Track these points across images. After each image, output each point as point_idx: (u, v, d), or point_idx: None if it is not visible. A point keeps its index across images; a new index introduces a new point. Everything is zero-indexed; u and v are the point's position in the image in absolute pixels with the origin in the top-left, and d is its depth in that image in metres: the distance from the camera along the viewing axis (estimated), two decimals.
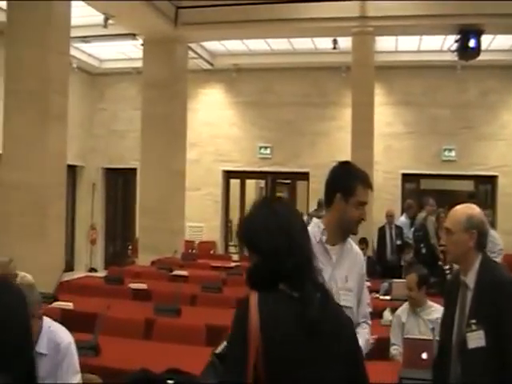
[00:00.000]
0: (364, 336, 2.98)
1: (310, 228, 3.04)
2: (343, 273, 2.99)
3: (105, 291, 7.15)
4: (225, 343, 2.07)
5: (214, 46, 13.42)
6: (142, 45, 11.86)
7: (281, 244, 2.00)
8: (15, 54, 7.65)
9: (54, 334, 3.23)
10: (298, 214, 2.22)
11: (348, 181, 2.95)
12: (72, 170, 13.37)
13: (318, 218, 3.14)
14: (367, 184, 2.98)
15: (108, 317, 4.81)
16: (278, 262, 1.98)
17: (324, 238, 2.98)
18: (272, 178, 14.72)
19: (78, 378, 3.30)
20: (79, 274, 12.22)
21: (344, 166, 3.09)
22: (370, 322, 3.14)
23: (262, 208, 2.14)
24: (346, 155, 10.71)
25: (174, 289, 6.73)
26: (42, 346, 3.15)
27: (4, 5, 8.24)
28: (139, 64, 12.74)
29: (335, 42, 11.93)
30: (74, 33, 8.36)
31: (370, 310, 3.20)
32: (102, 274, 11.31)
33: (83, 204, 15.01)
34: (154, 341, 5.08)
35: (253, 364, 1.85)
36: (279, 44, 12.98)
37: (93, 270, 14.63)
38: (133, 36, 11.87)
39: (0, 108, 8.05)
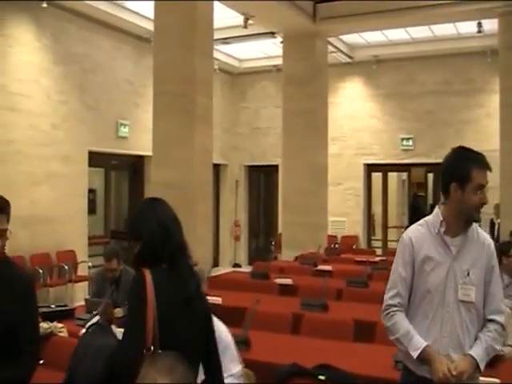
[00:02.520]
0: (483, 343, 2.81)
1: (431, 217, 2.93)
2: (465, 266, 2.84)
3: (251, 286, 7.27)
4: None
5: (352, 38, 13.28)
6: (282, 42, 11.97)
7: (157, 235, 2.54)
8: (162, 58, 7.98)
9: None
10: (171, 210, 2.70)
11: (461, 167, 2.81)
12: (216, 168, 13.74)
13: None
14: (483, 165, 2.82)
15: (256, 311, 4.89)
16: (155, 249, 2.53)
17: (442, 229, 2.86)
18: (415, 170, 14.39)
19: (239, 367, 3.40)
20: (224, 269, 12.56)
21: (456, 151, 2.93)
22: (501, 319, 2.89)
23: (144, 205, 2.72)
24: (494, 144, 10.23)
25: (319, 284, 6.71)
26: None
27: (151, 15, 8.61)
28: (279, 61, 12.93)
29: (479, 25, 11.36)
30: (215, 35, 8.59)
31: (505, 306, 3.02)
32: (246, 269, 11.56)
33: (227, 201, 15.42)
34: (301, 335, 5.10)
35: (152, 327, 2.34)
36: (419, 32, 12.60)
37: (237, 265, 14.99)
38: (272, 34, 12.02)
39: (149, 110, 8.44)
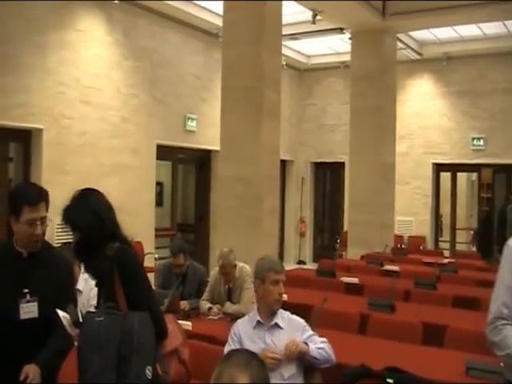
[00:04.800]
0: None
1: None
2: None
3: (317, 284, 7.22)
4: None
5: (422, 34, 12.99)
6: (350, 38, 11.83)
7: (92, 223, 2.71)
8: (231, 54, 7.99)
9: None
10: (103, 197, 2.87)
11: None
12: (282, 164, 13.72)
13: None
14: None
15: (323, 309, 4.83)
16: (92, 237, 2.72)
17: None
18: (485, 171, 13.99)
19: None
20: (289, 265, 12.53)
21: None
22: None
23: (78, 197, 2.82)
24: None
25: (385, 283, 6.60)
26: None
27: (220, 10, 8.64)
28: (346, 58, 12.77)
29: None
30: (283, 30, 8.54)
31: None
32: (310, 266, 11.51)
33: (292, 197, 15.40)
34: (368, 336, 5.02)
35: None
36: (493, 28, 12.19)
37: (301, 262, 14.94)
38: (340, 30, 11.88)
39: (217, 105, 8.48)
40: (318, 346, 3.50)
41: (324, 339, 3.58)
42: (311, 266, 11.57)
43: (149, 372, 2.58)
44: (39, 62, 8.85)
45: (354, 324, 5.19)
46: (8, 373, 2.83)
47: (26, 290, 2.89)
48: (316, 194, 15.90)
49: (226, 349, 3.51)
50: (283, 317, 3.61)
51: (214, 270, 5.77)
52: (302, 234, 15.37)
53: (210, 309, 5.43)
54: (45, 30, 8.91)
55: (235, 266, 5.56)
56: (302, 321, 3.65)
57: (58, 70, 9.14)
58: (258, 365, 1.69)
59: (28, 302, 2.88)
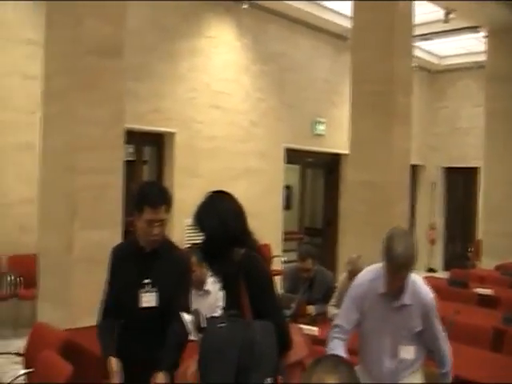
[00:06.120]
0: None
1: None
2: None
3: (448, 294, 6.93)
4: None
5: None
6: (485, 37, 11.32)
7: (216, 227, 2.69)
8: (360, 57, 7.87)
9: (419, 289, 3.21)
10: (232, 201, 2.83)
11: None
12: (412, 169, 13.35)
13: None
14: None
15: (455, 322, 4.63)
16: (215, 240, 2.71)
17: None
18: None
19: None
20: (419, 273, 12.13)
21: None
22: None
23: (207, 199, 2.82)
24: None
25: None
26: (407, 298, 3.18)
27: (349, 12, 8.54)
28: (480, 58, 12.22)
29: None
30: (414, 31, 8.31)
31: None
32: (441, 274, 11.12)
33: (423, 203, 14.96)
34: (503, 353, 4.73)
35: None
36: None
37: (431, 270, 14.48)
38: (474, 29, 11.42)
39: (345, 109, 8.39)
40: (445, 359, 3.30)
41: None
42: (442, 274, 11.16)
43: (269, 383, 2.54)
44: (171, 69, 9.18)
45: (487, 339, 4.92)
46: (129, 355, 3.01)
47: (147, 281, 3.05)
48: (447, 200, 15.33)
49: None
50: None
51: (342, 276, 5.70)
52: (433, 242, 14.89)
53: (335, 316, 5.36)
54: (176, 38, 9.23)
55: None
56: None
57: (189, 76, 9.44)
58: (347, 369, 1.68)
59: (148, 292, 3.05)
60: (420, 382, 3.29)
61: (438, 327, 3.25)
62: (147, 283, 3.05)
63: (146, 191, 3.12)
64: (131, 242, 3.20)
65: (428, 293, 3.24)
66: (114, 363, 2.92)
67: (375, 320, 3.21)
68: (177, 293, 3.06)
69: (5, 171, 7.80)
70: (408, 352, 3.21)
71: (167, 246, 3.18)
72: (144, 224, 3.01)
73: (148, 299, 3.04)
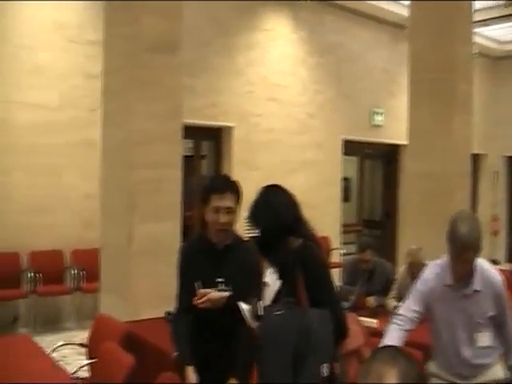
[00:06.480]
0: None
1: None
2: None
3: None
4: None
5: None
6: None
7: (268, 219, 2.71)
8: (419, 45, 7.73)
9: (487, 273, 3.15)
10: (284, 193, 2.83)
11: None
12: (473, 158, 13.08)
13: None
14: None
15: None
16: (269, 232, 2.72)
17: None
18: None
19: None
20: None
21: None
22: None
23: (260, 193, 2.83)
24: None
25: None
26: (477, 284, 3.12)
27: (405, 1, 8.41)
28: None
29: None
30: (474, 17, 8.10)
31: None
32: (504, 267, 10.85)
33: (484, 193, 14.61)
34: None
35: None
36: None
37: (494, 262, 14.13)
38: None
39: (404, 99, 8.25)
40: None
41: None
42: (505, 266, 10.88)
43: (325, 370, 2.55)
44: (228, 64, 9.24)
45: None
46: (202, 354, 3.00)
47: (220, 280, 3.01)
48: (510, 189, 14.94)
49: None
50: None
51: (401, 268, 5.63)
52: (495, 233, 14.53)
53: (396, 307, 5.30)
54: (233, 32, 9.28)
55: (424, 264, 5.36)
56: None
57: (246, 70, 9.47)
58: (405, 360, 1.61)
59: (221, 290, 2.99)
60: (502, 375, 3.24)
61: (509, 313, 3.19)
62: (220, 282, 3.01)
63: (212, 181, 3.15)
64: (202, 238, 3.13)
65: (497, 275, 3.18)
66: (191, 374, 2.91)
67: (446, 312, 3.16)
68: (249, 291, 2.94)
69: (68, 168, 8.01)
70: (484, 338, 3.15)
71: (238, 242, 3.12)
72: (210, 213, 2.98)
73: None
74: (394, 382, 1.53)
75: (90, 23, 8.00)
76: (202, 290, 2.93)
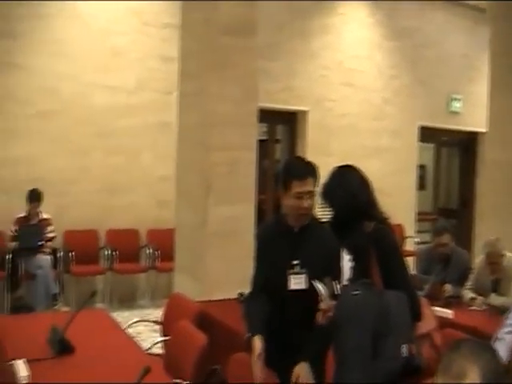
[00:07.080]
0: None
1: None
2: None
3: None
4: None
5: None
6: None
7: (344, 199, 2.76)
8: (501, 29, 7.47)
9: None
10: (358, 173, 2.88)
11: None
12: None
13: None
14: None
15: None
16: (345, 213, 2.78)
17: None
18: None
19: None
20: None
21: None
22: None
23: (333, 174, 2.91)
24: None
25: None
26: None
27: None
28: None
29: None
30: None
31: None
32: None
33: None
34: None
35: None
36: None
37: None
38: None
39: (485, 84, 8.00)
40: None
41: None
42: None
43: (404, 350, 2.55)
44: (303, 47, 9.18)
45: None
46: (279, 340, 2.97)
47: (296, 262, 2.97)
48: None
49: None
50: None
51: (479, 259, 5.46)
52: None
53: (472, 299, 5.16)
54: (308, 16, 9.19)
55: (503, 255, 5.20)
56: None
57: (321, 54, 9.40)
58: (489, 354, 1.54)
59: (297, 273, 2.96)
60: None
61: None
62: (296, 264, 2.96)
63: (292, 166, 3.09)
64: (278, 221, 3.12)
65: None
66: (258, 343, 2.84)
67: None
68: (327, 274, 2.88)
69: (145, 150, 8.17)
70: None
71: (315, 224, 3.06)
72: (292, 199, 2.93)
73: (297, 281, 2.95)
74: (477, 379, 1.48)
75: (166, 7, 8.11)
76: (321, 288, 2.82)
